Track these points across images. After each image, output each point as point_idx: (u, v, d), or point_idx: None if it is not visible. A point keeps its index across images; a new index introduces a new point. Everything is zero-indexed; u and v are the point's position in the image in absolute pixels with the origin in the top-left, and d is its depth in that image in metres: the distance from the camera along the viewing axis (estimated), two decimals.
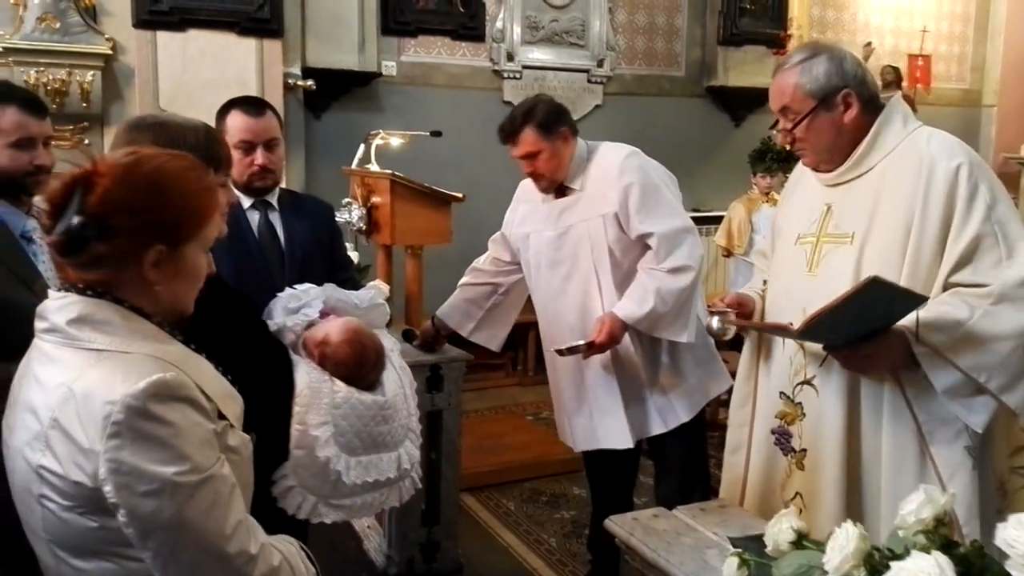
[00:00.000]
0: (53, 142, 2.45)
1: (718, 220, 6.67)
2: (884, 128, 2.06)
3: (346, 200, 4.17)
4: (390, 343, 2.04)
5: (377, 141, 4.33)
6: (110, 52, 4.70)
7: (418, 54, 6.20)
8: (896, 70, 7.67)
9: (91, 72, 4.65)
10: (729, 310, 2.25)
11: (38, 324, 1.37)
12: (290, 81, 5.14)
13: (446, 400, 3.33)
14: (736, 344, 2.55)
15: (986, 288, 1.89)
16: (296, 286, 2.01)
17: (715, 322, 2.23)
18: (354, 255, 3.81)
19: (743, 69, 7.12)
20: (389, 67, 6.01)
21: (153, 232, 1.32)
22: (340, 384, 1.80)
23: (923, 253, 1.95)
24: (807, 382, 2.12)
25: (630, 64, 6.98)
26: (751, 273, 6.26)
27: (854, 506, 2.03)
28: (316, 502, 1.75)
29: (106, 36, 4.71)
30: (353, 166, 4.29)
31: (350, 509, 1.80)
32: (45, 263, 2.33)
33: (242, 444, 1.40)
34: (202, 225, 1.40)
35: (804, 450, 2.13)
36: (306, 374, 1.79)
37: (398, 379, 1.94)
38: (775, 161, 5.13)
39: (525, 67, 6.54)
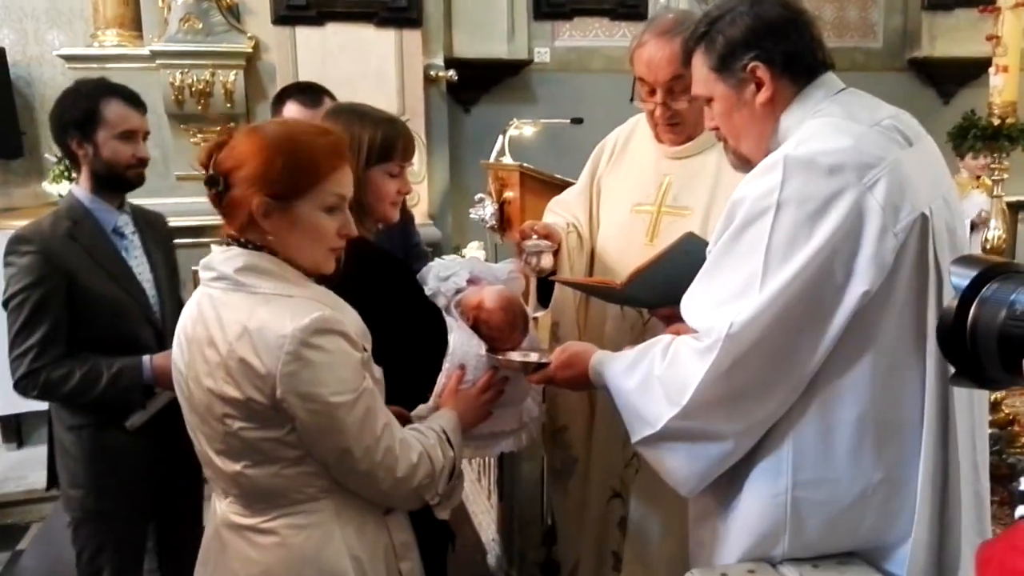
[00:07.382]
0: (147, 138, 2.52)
1: None
2: None
3: (479, 196, 3.86)
4: None
5: (511, 132, 3.98)
6: (251, 51, 4.62)
7: (574, 38, 5.80)
8: None
9: (233, 72, 4.58)
10: (546, 242, 2.28)
11: (205, 274, 1.61)
12: (431, 72, 4.89)
13: None
14: None
15: None
16: (444, 257, 2.26)
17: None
18: (480, 253, 3.48)
19: (953, 37, 6.21)
20: (542, 53, 5.67)
21: (258, 184, 1.55)
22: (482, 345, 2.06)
23: None
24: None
25: None
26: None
27: None
28: None
29: (248, 35, 4.63)
30: (491, 159, 3.98)
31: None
32: (137, 257, 2.49)
33: (380, 376, 1.67)
34: (314, 184, 1.58)
35: None
36: (457, 335, 2.03)
37: None
38: (978, 139, 4.22)
39: None
